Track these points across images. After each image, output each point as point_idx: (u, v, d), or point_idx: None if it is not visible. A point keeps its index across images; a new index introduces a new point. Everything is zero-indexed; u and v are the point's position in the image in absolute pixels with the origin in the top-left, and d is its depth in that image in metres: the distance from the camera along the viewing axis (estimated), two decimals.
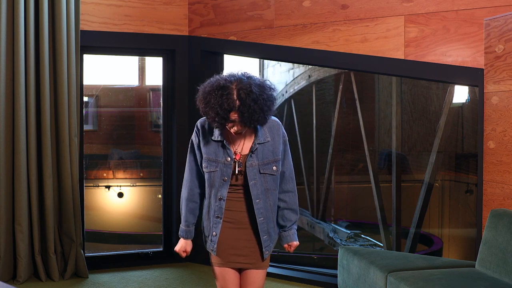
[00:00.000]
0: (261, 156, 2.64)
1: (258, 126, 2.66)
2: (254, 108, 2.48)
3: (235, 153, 2.64)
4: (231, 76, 2.54)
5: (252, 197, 2.63)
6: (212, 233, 2.69)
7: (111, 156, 7.11)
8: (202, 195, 2.77)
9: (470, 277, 3.25)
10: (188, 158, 2.75)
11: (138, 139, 7.53)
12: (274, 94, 2.60)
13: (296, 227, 2.81)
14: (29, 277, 4.50)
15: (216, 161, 2.64)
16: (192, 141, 2.73)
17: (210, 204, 2.68)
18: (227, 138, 2.66)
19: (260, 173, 2.63)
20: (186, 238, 2.82)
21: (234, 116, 2.51)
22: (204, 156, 2.66)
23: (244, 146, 2.66)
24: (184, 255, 2.87)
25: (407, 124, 8.07)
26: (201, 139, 2.68)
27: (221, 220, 2.67)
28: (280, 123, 2.74)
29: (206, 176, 2.67)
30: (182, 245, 2.84)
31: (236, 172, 2.63)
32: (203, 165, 2.67)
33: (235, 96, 2.48)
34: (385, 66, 4.14)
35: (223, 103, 2.47)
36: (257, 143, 2.63)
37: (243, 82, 2.50)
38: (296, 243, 2.79)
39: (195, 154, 2.71)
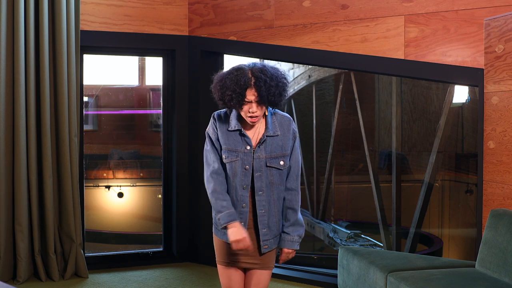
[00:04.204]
0: (269, 149, 2.63)
1: (269, 120, 2.66)
2: (270, 83, 2.53)
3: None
4: (244, 64, 2.63)
5: (255, 189, 2.62)
6: (241, 223, 2.61)
7: (111, 156, 7.11)
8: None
9: (470, 277, 3.25)
10: (209, 150, 2.68)
11: (138, 139, 7.53)
12: (288, 78, 2.65)
13: (298, 234, 2.68)
14: (29, 277, 4.50)
15: (236, 151, 2.63)
16: (209, 133, 2.70)
17: (234, 195, 2.64)
18: (244, 128, 2.66)
19: (267, 166, 2.63)
20: (235, 220, 2.57)
21: (250, 94, 2.53)
22: (223, 147, 2.65)
23: (258, 139, 2.66)
24: (248, 242, 2.55)
25: (407, 124, 8.07)
26: (218, 130, 2.67)
27: (248, 209, 2.63)
28: (292, 119, 2.74)
29: (227, 166, 2.65)
30: (242, 230, 2.55)
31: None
32: (223, 156, 2.65)
33: (250, 74, 2.54)
34: (385, 66, 4.14)
35: (239, 80, 2.53)
36: (266, 135, 2.63)
37: (257, 65, 2.60)
38: (287, 250, 2.68)
39: (215, 144, 2.67)
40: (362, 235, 8.39)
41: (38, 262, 4.48)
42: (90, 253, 5.01)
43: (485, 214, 3.63)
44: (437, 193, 8.01)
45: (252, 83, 2.53)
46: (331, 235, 8.72)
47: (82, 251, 4.64)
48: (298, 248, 2.71)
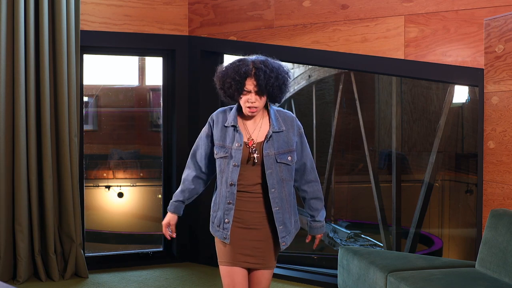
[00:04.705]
0: (276, 145, 2.66)
1: (273, 116, 2.69)
2: (270, 74, 2.59)
3: (249, 139, 2.67)
4: (248, 56, 2.72)
5: (268, 186, 2.64)
6: (225, 220, 2.67)
7: (111, 156, 7.11)
8: (199, 181, 2.81)
9: (470, 277, 3.25)
10: (195, 144, 2.81)
11: (138, 139, 7.53)
12: (290, 74, 2.72)
13: (323, 218, 2.84)
14: (29, 277, 4.50)
15: (227, 147, 2.66)
16: (203, 129, 2.78)
17: (221, 191, 2.68)
18: (240, 125, 2.69)
19: (277, 162, 2.65)
20: (173, 212, 2.82)
21: (249, 84, 2.59)
22: (215, 143, 2.70)
23: (259, 134, 2.68)
24: (166, 230, 2.82)
25: (407, 124, 8.07)
26: (214, 127, 2.72)
27: (233, 207, 2.66)
28: (295, 116, 2.77)
29: (217, 162, 2.71)
30: (167, 218, 2.83)
31: (251, 158, 2.64)
32: (215, 152, 2.70)
33: (251, 65, 2.61)
34: (385, 66, 4.14)
35: (240, 69, 2.60)
36: (272, 131, 2.66)
37: (260, 57, 2.67)
38: (320, 236, 2.85)
39: (203, 142, 2.77)
40: (362, 235, 8.39)
41: (38, 262, 4.48)
42: (90, 253, 5.01)
43: (485, 214, 3.63)
44: (437, 193, 8.01)
45: (252, 73, 2.59)
46: (331, 235, 8.72)
47: (82, 251, 4.64)
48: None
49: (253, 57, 2.67)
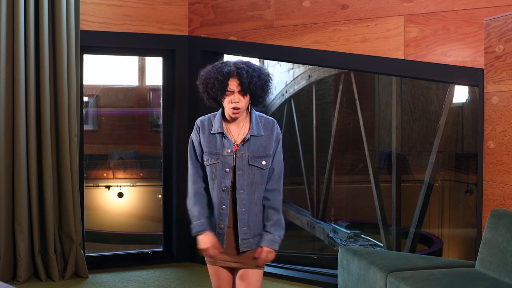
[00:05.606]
0: (252, 148, 2.67)
1: (254, 121, 2.70)
2: (252, 73, 2.62)
3: (234, 144, 2.68)
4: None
5: (237, 187, 2.64)
6: (220, 225, 2.68)
7: (111, 156, 7.12)
8: (207, 190, 2.75)
9: (470, 277, 3.25)
10: (189, 155, 2.77)
11: (138, 139, 7.53)
12: (272, 78, 2.73)
13: (279, 234, 2.67)
14: (29, 277, 4.50)
15: (217, 154, 2.67)
16: (192, 138, 2.76)
17: (214, 196, 2.68)
18: (226, 131, 2.70)
19: (249, 164, 2.65)
20: (205, 230, 2.65)
21: (232, 84, 2.61)
22: (205, 150, 2.70)
23: (241, 138, 2.70)
24: (214, 251, 2.65)
25: (407, 124, 8.07)
26: (201, 134, 2.72)
27: (228, 212, 2.66)
28: (276, 121, 2.78)
29: (207, 169, 2.69)
30: (208, 239, 2.64)
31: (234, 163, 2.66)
32: (204, 158, 2.70)
33: (233, 66, 2.65)
34: (385, 66, 4.14)
35: (223, 70, 2.62)
36: (250, 135, 2.67)
37: (241, 60, 2.71)
38: (268, 249, 2.65)
39: (196, 150, 2.74)
40: (362, 235, 8.39)
41: (38, 262, 4.48)
42: (90, 253, 5.01)
43: (485, 214, 3.63)
44: (437, 193, 8.01)
45: (235, 73, 2.62)
46: (331, 235, 8.72)
47: (82, 251, 4.64)
48: (277, 249, 2.68)
49: (234, 60, 2.71)
